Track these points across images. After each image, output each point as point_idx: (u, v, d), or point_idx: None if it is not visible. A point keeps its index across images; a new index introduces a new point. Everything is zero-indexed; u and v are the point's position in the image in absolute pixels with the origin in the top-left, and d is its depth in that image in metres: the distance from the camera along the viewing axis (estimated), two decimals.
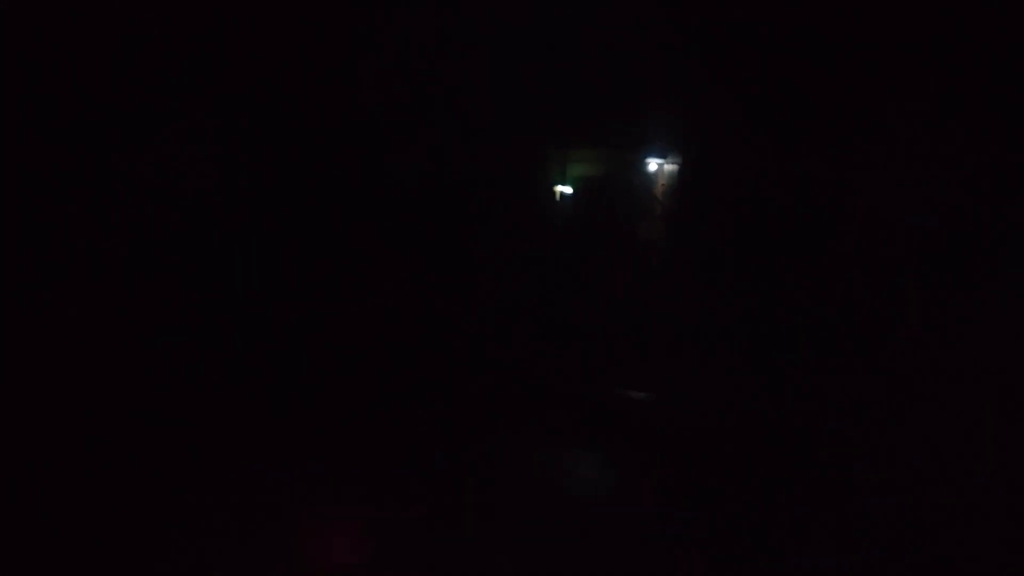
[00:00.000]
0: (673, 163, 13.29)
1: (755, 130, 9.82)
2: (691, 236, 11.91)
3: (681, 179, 12.83)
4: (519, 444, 4.36)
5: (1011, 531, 3.57)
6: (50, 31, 7.15)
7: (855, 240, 8.24)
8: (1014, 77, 6.62)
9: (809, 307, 8.19)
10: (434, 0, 11.94)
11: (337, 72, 10.03)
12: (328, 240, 9.86)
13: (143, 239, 7.39)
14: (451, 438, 4.43)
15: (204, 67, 8.13)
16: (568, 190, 17.01)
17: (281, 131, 8.86)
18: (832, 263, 8.33)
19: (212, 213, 7.98)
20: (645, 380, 6.19)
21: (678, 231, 12.83)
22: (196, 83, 8.16)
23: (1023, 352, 5.98)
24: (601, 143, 15.58)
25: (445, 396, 5.47)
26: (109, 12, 7.46)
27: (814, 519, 3.58)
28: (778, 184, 9.54)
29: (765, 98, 9.69)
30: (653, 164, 14.18)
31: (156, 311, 7.08)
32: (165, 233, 7.50)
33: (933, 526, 3.74)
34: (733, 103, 10.31)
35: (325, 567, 3.20)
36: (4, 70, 6.85)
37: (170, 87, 7.88)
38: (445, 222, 12.69)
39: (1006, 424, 5.29)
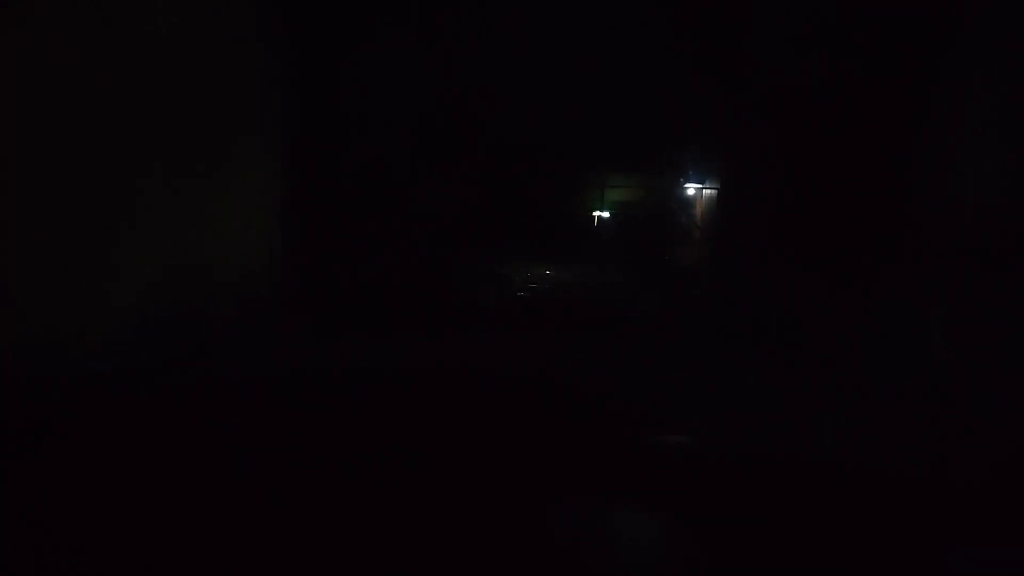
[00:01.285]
0: (711, 188, 13.27)
1: (792, 157, 9.85)
2: (731, 263, 11.84)
3: (720, 204, 12.77)
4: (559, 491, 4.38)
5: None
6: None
7: (900, 263, 8.14)
8: None
9: (855, 336, 8.05)
10: (483, 41, 13.07)
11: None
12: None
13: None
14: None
15: None
16: (606, 215, 17.14)
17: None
18: (877, 288, 8.23)
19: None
20: (685, 419, 6.10)
21: (718, 258, 12.75)
22: None
23: None
24: (640, 169, 15.69)
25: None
26: None
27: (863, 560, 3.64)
28: (817, 208, 9.49)
29: (802, 126, 9.73)
30: (691, 189, 14.17)
31: None
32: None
33: None
34: (770, 131, 10.38)
35: None
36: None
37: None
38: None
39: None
